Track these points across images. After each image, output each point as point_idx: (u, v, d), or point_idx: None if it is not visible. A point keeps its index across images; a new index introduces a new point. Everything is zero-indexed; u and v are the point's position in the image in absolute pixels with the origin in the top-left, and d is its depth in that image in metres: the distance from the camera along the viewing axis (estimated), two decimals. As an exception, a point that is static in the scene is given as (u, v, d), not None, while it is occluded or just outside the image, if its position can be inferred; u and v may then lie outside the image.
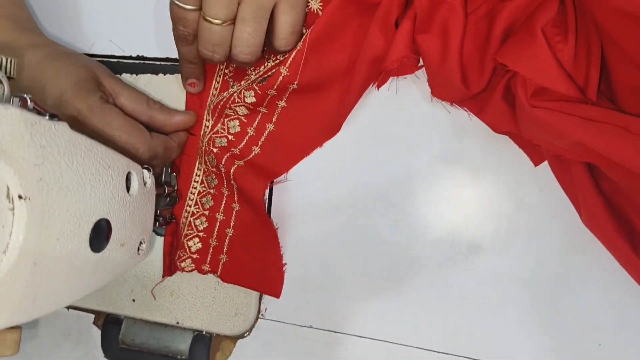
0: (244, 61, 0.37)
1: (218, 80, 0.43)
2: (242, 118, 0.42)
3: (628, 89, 0.33)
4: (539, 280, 0.38)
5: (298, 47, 0.38)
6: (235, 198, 0.43)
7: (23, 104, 0.29)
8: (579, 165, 0.35)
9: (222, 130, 0.42)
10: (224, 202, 0.43)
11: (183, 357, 0.44)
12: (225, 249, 0.43)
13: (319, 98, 0.41)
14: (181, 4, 0.36)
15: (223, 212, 0.43)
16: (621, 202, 0.35)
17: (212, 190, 0.43)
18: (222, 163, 0.42)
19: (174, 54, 0.42)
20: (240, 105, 0.41)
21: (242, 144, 0.42)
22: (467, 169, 0.40)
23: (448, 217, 0.40)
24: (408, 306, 0.41)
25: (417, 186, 0.40)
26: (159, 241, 0.45)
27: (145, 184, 0.36)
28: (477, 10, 0.36)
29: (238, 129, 0.42)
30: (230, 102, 0.41)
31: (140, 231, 0.36)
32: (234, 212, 0.43)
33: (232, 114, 0.42)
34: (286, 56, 0.38)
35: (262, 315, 0.44)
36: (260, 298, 0.44)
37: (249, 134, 0.42)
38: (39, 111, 0.29)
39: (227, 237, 0.43)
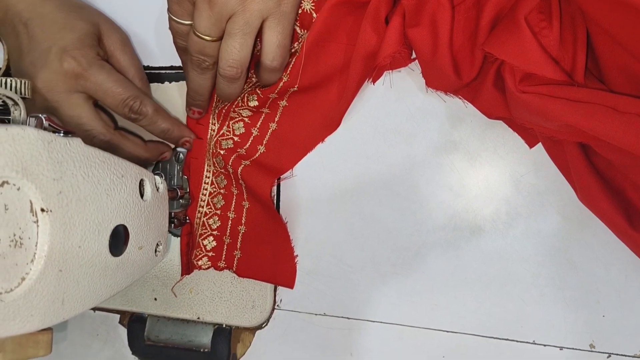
0: (230, 75, 0.39)
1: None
2: (246, 119, 0.44)
3: (616, 69, 0.33)
4: (540, 257, 0.40)
5: (297, 53, 0.39)
6: (245, 196, 0.44)
7: (39, 124, 0.31)
8: (571, 145, 0.36)
9: (228, 133, 0.44)
10: (234, 200, 0.45)
11: (206, 350, 0.47)
12: (239, 245, 0.45)
13: (318, 96, 0.42)
14: (177, 19, 0.38)
15: (234, 211, 0.45)
16: (615, 176, 0.36)
17: (222, 190, 0.45)
18: (230, 164, 0.43)
19: (177, 62, 0.44)
20: (244, 109, 0.43)
21: (247, 144, 0.44)
22: (465, 155, 0.41)
23: (450, 203, 0.41)
24: (417, 290, 0.42)
25: (419, 174, 0.42)
26: (175, 242, 0.47)
27: (158, 189, 0.38)
28: (465, 1, 0.37)
29: (243, 130, 0.44)
30: (234, 106, 0.43)
31: (157, 234, 0.38)
32: (244, 209, 0.45)
33: (236, 116, 0.44)
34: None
35: (277, 306, 0.46)
36: (275, 290, 0.46)
37: (254, 134, 0.44)
38: (54, 129, 0.31)
39: (240, 234, 0.45)
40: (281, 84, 0.40)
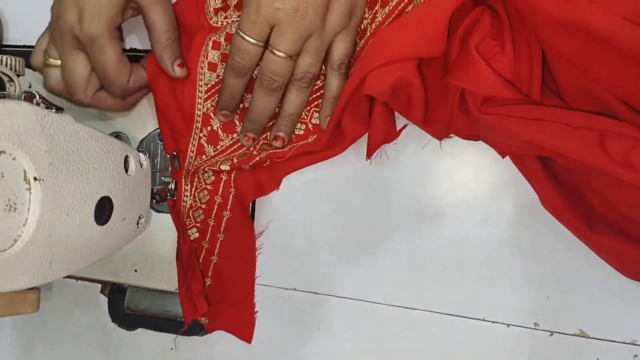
0: (303, 85, 0.41)
1: (194, 143, 0.47)
2: (209, 186, 0.47)
3: (571, 87, 0.36)
4: (493, 243, 0.43)
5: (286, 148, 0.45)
6: (222, 228, 0.48)
7: (31, 99, 0.33)
8: (532, 159, 0.39)
9: (195, 203, 0.48)
10: (209, 232, 0.48)
11: (181, 320, 0.50)
12: (210, 274, 0.49)
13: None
14: (246, 37, 0.39)
15: (209, 241, 0.48)
16: (577, 183, 0.39)
17: (198, 224, 0.48)
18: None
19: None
20: (208, 170, 0.47)
21: (213, 213, 0.48)
22: (432, 148, 0.44)
23: (415, 191, 0.45)
24: (380, 269, 0.45)
25: (388, 165, 0.45)
26: (156, 217, 0.49)
27: (141, 165, 0.41)
28: (433, 65, 0.40)
29: (207, 197, 0.47)
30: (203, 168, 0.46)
31: (139, 207, 0.41)
32: (218, 241, 0.48)
33: (200, 185, 0.47)
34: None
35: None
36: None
37: (217, 202, 0.47)
38: (46, 105, 0.33)
39: (212, 264, 0.48)
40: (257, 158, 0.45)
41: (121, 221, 0.38)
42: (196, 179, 0.47)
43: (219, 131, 0.46)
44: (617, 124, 0.34)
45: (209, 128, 0.46)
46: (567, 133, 0.34)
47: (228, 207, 0.48)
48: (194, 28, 0.45)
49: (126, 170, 0.39)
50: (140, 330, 0.52)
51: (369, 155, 0.42)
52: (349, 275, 0.46)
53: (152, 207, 0.49)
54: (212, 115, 0.46)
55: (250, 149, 0.46)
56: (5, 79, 0.34)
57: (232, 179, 0.47)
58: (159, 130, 0.49)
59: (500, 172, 0.43)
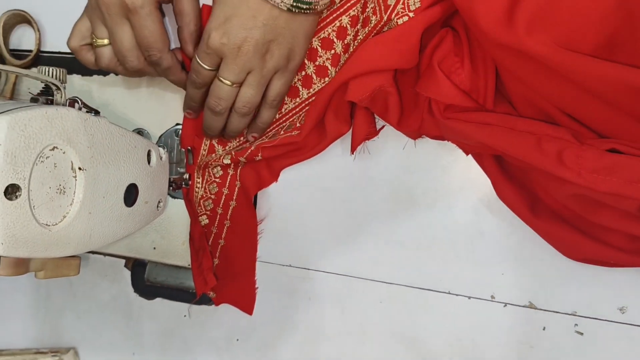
0: (244, 112, 0.48)
1: (206, 144, 0.54)
2: (218, 180, 0.54)
3: (518, 97, 0.42)
4: (457, 226, 0.50)
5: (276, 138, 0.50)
6: (228, 216, 0.55)
7: (74, 104, 0.41)
8: (488, 156, 0.46)
9: (205, 194, 0.55)
10: (217, 219, 0.55)
11: (193, 291, 0.57)
12: (217, 254, 0.56)
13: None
14: (201, 64, 0.45)
15: (217, 227, 0.55)
16: (523, 175, 0.45)
17: (207, 212, 0.56)
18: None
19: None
20: (217, 166, 0.53)
21: (221, 203, 0.54)
22: (408, 146, 0.50)
23: (393, 181, 0.51)
24: (362, 248, 0.52)
25: (369, 160, 0.52)
26: (172, 202, 0.57)
27: (161, 158, 0.49)
28: (407, 75, 0.46)
29: (216, 189, 0.54)
30: (212, 163, 0.53)
31: (159, 193, 0.49)
32: (225, 227, 0.55)
33: (210, 179, 0.54)
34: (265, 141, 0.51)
35: (254, 257, 0.56)
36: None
37: (225, 193, 0.54)
38: (87, 109, 0.41)
39: (219, 246, 0.55)
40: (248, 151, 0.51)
41: (144, 204, 0.46)
42: (207, 173, 0.54)
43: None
44: (553, 129, 0.40)
45: None
46: (512, 136, 0.41)
47: (234, 197, 0.55)
48: None
49: (149, 162, 0.46)
50: (158, 299, 0.59)
51: (352, 150, 0.49)
52: (336, 254, 0.53)
53: (169, 194, 0.57)
54: None
55: (246, 143, 0.53)
56: (53, 87, 0.42)
57: (237, 173, 0.54)
58: (175, 127, 0.56)
59: (464, 167, 0.49)
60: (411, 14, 0.42)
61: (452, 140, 0.48)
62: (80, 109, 0.40)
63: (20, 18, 0.59)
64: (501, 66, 0.42)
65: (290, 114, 0.52)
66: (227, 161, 0.52)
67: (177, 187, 0.55)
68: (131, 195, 0.44)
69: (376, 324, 0.53)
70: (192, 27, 0.48)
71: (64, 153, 0.37)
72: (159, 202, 0.49)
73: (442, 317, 0.51)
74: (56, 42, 0.60)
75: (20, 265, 0.38)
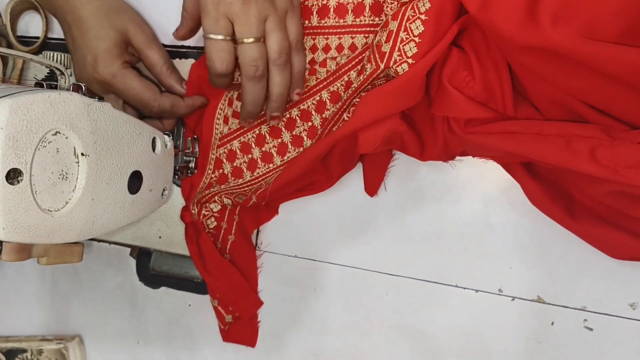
0: (283, 61, 0.44)
1: (205, 181, 0.54)
2: (216, 214, 0.54)
3: (542, 97, 0.41)
4: (467, 219, 0.49)
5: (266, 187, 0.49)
6: (227, 250, 0.54)
7: (79, 90, 0.41)
8: (515, 164, 0.45)
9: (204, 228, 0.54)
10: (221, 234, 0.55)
11: (198, 280, 0.57)
12: None
13: None
14: (214, 36, 0.43)
15: (221, 241, 0.55)
16: (557, 178, 0.44)
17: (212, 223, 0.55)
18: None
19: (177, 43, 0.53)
20: (214, 202, 0.53)
21: (220, 237, 0.54)
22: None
23: (401, 174, 0.51)
24: (368, 240, 0.52)
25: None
26: (177, 191, 0.57)
27: (166, 146, 0.49)
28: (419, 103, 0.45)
29: (214, 223, 0.54)
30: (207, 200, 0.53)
31: (163, 181, 0.49)
32: (229, 242, 0.55)
33: (208, 213, 0.53)
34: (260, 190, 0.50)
35: (258, 248, 0.56)
36: (257, 233, 0.56)
37: (223, 227, 0.54)
38: (90, 95, 0.41)
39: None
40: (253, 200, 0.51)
41: (148, 191, 0.46)
42: (204, 209, 0.54)
43: (229, 175, 0.53)
44: (582, 128, 0.39)
45: (220, 171, 0.53)
46: (539, 141, 0.40)
47: (232, 231, 0.55)
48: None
49: (153, 150, 0.46)
50: (163, 288, 0.59)
51: (372, 193, 0.50)
52: (341, 245, 0.53)
53: (174, 183, 0.56)
54: (224, 161, 0.52)
55: (247, 192, 0.51)
56: (57, 72, 0.41)
57: (236, 209, 0.54)
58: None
59: (472, 160, 0.48)
60: (410, 60, 0.40)
61: (479, 155, 0.47)
62: (84, 94, 0.40)
63: (28, 4, 0.59)
64: (523, 69, 0.40)
65: (261, 178, 0.52)
66: (227, 201, 0.52)
67: (184, 175, 0.55)
68: (135, 182, 0.43)
69: (382, 317, 0.52)
70: (166, 70, 0.51)
71: (66, 138, 0.37)
72: (164, 190, 0.49)
73: (448, 310, 0.50)
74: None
75: (23, 251, 0.38)
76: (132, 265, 0.60)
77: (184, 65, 0.54)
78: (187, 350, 0.59)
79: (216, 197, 0.52)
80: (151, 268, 0.59)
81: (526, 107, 0.43)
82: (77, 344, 0.61)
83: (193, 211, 0.54)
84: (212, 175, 0.53)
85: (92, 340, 0.63)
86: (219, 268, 0.53)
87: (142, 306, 0.61)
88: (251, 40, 0.42)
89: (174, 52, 0.54)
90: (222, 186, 0.52)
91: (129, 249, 0.60)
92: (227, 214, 0.54)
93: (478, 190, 0.49)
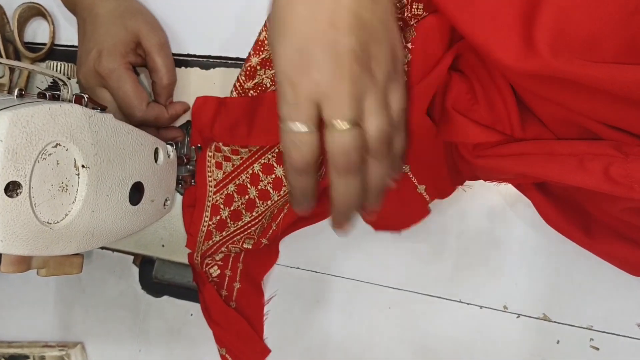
0: (383, 153, 0.35)
1: (203, 230, 0.52)
2: (220, 262, 0.54)
3: (550, 118, 0.40)
4: (471, 233, 0.49)
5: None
6: (234, 297, 0.54)
7: (81, 100, 0.41)
8: (528, 185, 0.44)
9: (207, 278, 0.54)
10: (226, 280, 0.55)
11: (201, 290, 0.57)
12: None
13: None
14: (294, 126, 0.33)
15: (226, 289, 0.55)
16: (573, 196, 0.43)
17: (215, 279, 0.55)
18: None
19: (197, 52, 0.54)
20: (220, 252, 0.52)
21: (225, 285, 0.54)
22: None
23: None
24: (371, 253, 0.52)
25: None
26: (181, 200, 0.56)
27: (169, 156, 0.48)
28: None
29: (218, 272, 0.54)
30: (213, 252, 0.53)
31: (166, 191, 0.49)
32: (235, 289, 0.54)
33: (211, 262, 0.53)
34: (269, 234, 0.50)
35: (261, 258, 0.56)
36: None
37: (227, 275, 0.54)
38: (93, 105, 0.41)
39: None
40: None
41: (150, 202, 0.46)
42: (207, 258, 0.54)
43: (227, 219, 0.52)
44: (594, 146, 0.38)
45: (217, 217, 0.52)
46: (552, 161, 0.38)
47: (237, 279, 0.55)
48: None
49: (156, 160, 0.46)
50: (165, 297, 0.59)
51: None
52: (345, 257, 0.53)
53: (177, 191, 0.56)
54: (221, 207, 0.52)
55: (252, 234, 0.51)
56: (60, 82, 0.41)
57: (240, 255, 0.54)
58: (185, 123, 0.56)
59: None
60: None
61: (490, 179, 0.46)
62: (86, 105, 0.40)
63: (35, 11, 0.59)
64: (527, 92, 0.39)
65: (262, 216, 0.51)
66: (234, 249, 0.52)
67: (187, 184, 0.55)
68: (136, 193, 0.43)
69: (384, 330, 0.52)
70: (165, 81, 0.51)
71: (67, 150, 0.36)
72: (166, 200, 0.49)
73: (452, 326, 0.50)
74: (70, 35, 0.60)
75: (22, 263, 0.38)
76: (135, 273, 0.60)
77: (188, 75, 0.54)
78: (188, 359, 0.59)
79: (223, 248, 0.52)
80: (154, 276, 0.59)
81: (535, 126, 0.42)
82: (79, 350, 0.61)
83: (196, 261, 0.53)
84: (210, 223, 0.52)
85: (94, 347, 0.63)
86: (224, 317, 0.53)
87: (144, 314, 0.60)
88: (346, 125, 0.33)
89: (179, 61, 0.54)
90: (223, 233, 0.52)
91: (132, 257, 0.60)
92: (230, 261, 0.54)
93: (483, 205, 0.48)
